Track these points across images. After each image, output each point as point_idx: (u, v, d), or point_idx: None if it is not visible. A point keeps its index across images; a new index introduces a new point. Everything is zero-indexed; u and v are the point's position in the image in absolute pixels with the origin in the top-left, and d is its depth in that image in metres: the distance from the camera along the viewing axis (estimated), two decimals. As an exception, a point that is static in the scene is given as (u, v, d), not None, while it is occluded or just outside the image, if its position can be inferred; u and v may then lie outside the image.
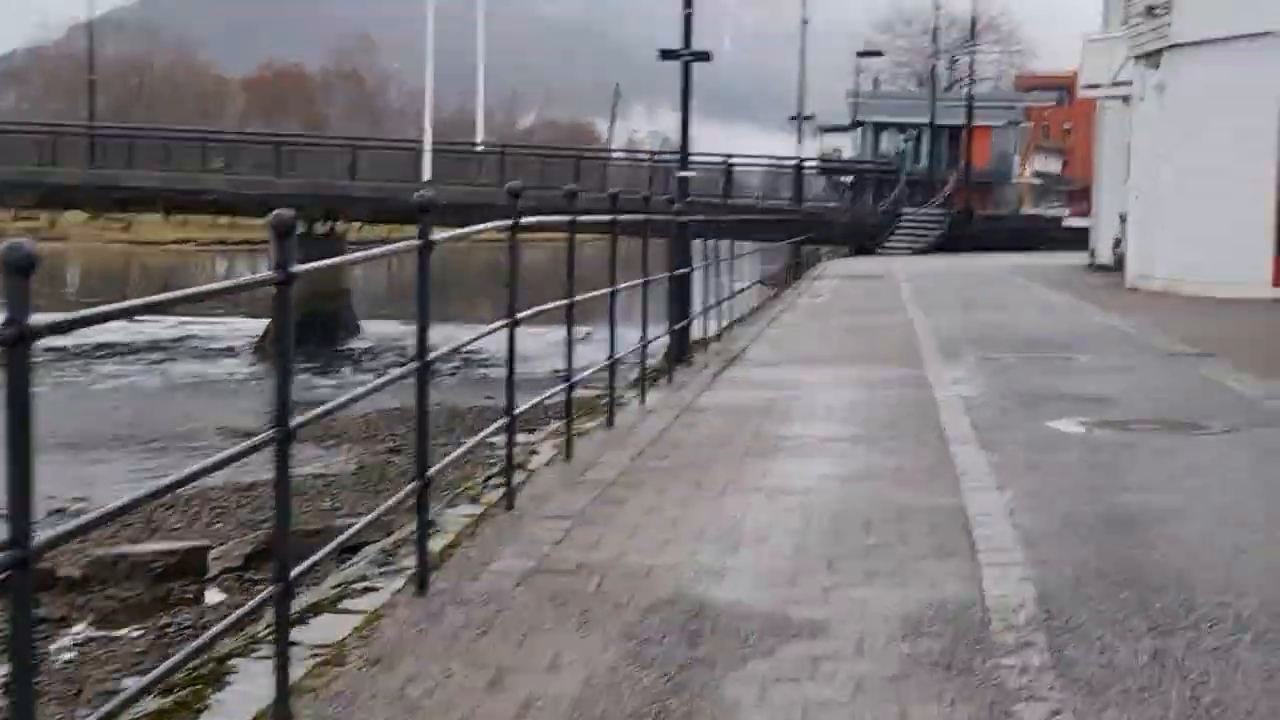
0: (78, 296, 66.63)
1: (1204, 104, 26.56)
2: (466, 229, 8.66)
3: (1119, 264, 33.98)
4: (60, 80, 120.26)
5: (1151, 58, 28.42)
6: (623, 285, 11.89)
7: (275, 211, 5.28)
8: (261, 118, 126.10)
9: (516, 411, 8.50)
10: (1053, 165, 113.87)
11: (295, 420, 5.20)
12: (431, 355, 6.75)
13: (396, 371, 7.32)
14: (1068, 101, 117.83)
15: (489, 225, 8.91)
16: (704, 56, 16.14)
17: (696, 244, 20.46)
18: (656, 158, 64.17)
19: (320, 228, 57.86)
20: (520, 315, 8.57)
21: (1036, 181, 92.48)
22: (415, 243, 6.80)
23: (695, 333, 18.72)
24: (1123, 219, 33.66)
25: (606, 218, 12.04)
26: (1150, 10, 28.03)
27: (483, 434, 8.46)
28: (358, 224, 61.80)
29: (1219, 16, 26.09)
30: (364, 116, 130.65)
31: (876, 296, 27.67)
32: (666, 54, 15.81)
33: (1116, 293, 27.75)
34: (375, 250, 8.05)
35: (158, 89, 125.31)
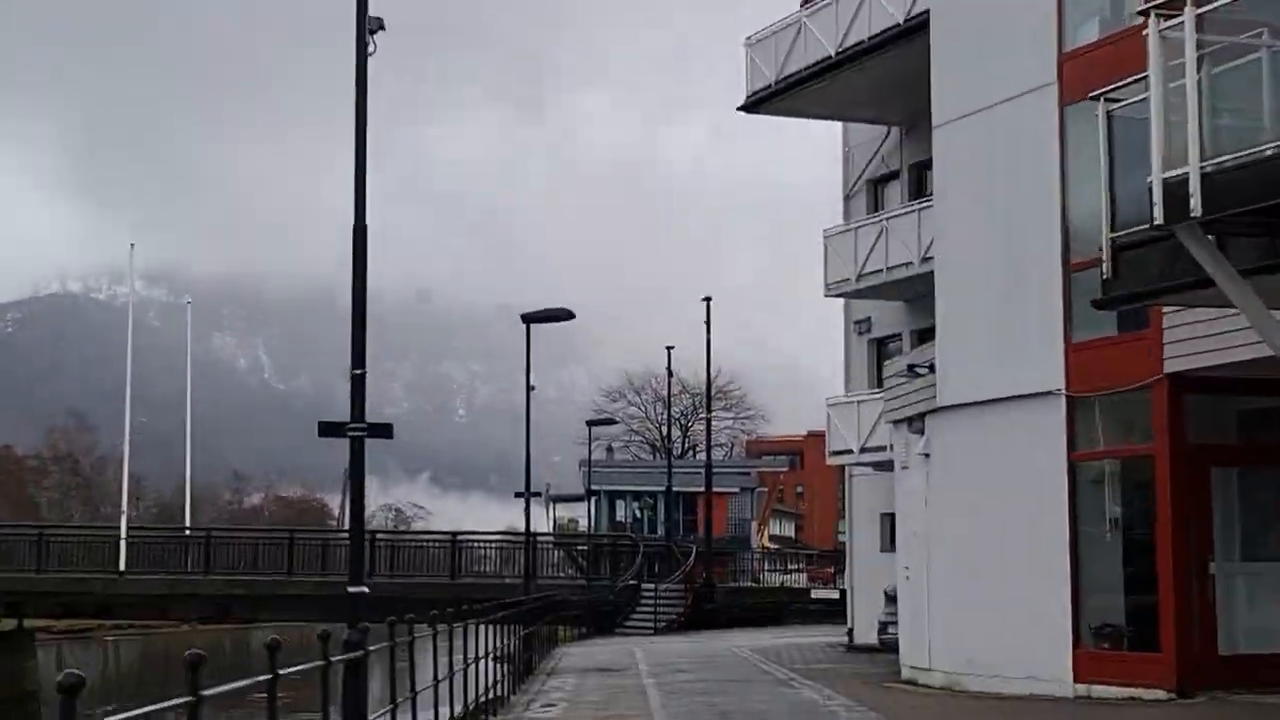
0: None
1: (980, 472, 23.24)
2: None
3: (886, 647, 30.31)
4: None
5: (914, 422, 25.18)
6: None
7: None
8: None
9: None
10: (788, 530, 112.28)
11: None
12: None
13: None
14: (799, 465, 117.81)
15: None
16: (385, 432, 11.97)
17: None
18: (377, 536, 59.43)
19: (6, 625, 51.78)
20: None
21: (774, 547, 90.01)
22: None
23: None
24: (889, 597, 30.07)
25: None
26: (911, 370, 24.89)
27: None
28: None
29: (992, 375, 22.96)
30: (80, 500, 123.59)
31: (619, 703, 23.28)
32: (327, 427, 11.58)
33: (894, 693, 23.76)
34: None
35: None
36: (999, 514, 22.76)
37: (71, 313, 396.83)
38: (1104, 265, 14.85)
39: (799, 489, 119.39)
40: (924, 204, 32.25)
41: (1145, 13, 13.43)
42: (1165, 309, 19.74)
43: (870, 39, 31.80)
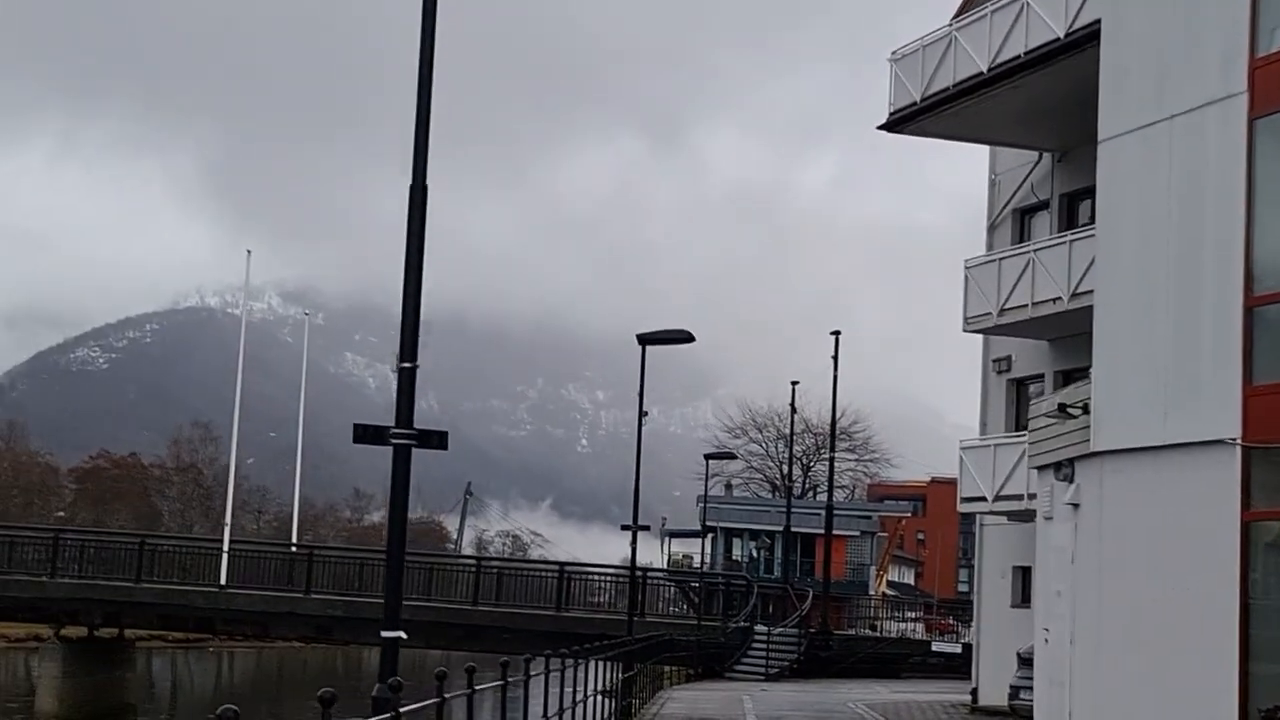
0: None
1: (1139, 527, 20.56)
2: None
3: (1017, 713, 27.68)
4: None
5: (1062, 468, 22.51)
6: None
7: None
8: (91, 509, 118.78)
9: None
10: (906, 577, 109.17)
11: None
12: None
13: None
14: (921, 511, 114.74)
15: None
16: (438, 441, 9.68)
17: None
18: (484, 562, 57.56)
19: (106, 632, 50.49)
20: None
21: (892, 594, 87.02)
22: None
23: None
24: (1023, 660, 27.40)
25: None
26: (1063, 410, 22.21)
27: None
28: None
29: (1156, 420, 20.27)
30: (202, 511, 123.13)
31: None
32: (365, 434, 9.31)
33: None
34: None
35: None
36: (1158, 575, 20.05)
37: (208, 325, 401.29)
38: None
39: (920, 535, 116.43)
40: (1077, 235, 29.61)
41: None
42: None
43: (1026, 54, 29.19)
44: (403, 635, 9.25)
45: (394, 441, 9.09)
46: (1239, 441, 18.93)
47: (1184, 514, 19.69)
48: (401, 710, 8.82)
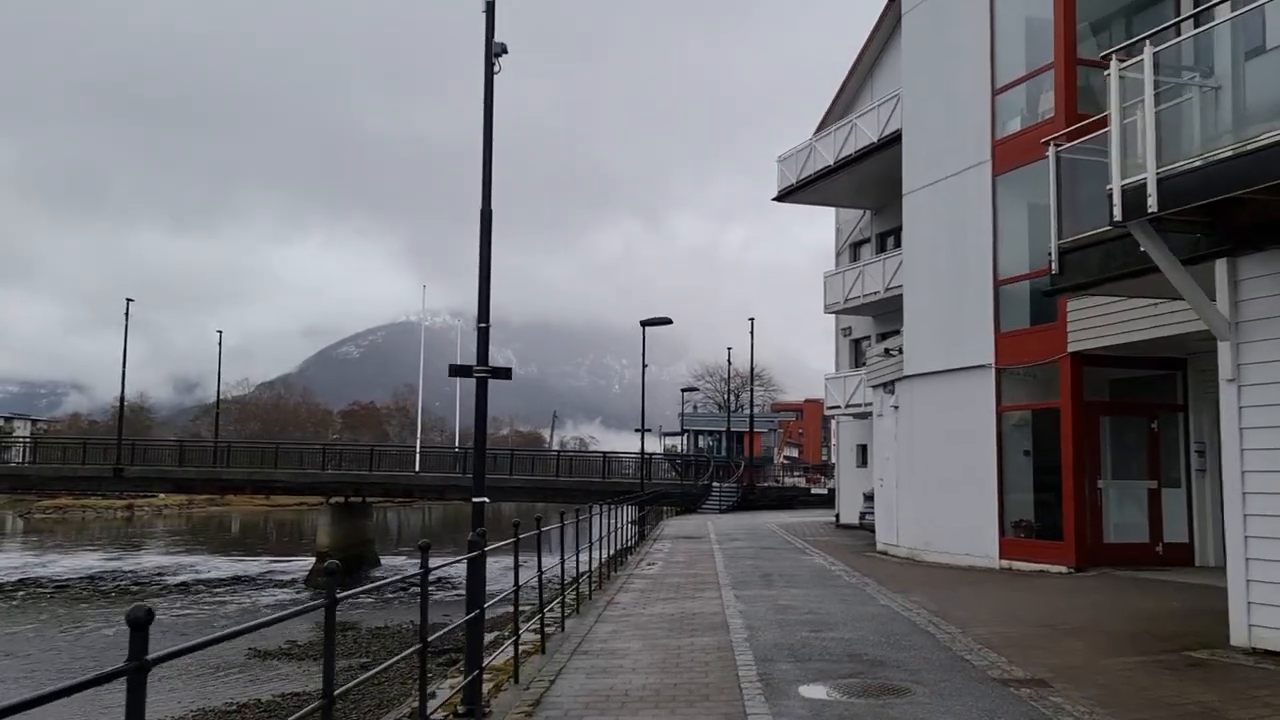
0: (237, 535, 62.05)
1: (936, 418, 18.97)
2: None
3: (864, 527, 26.14)
4: (250, 413, 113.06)
5: (888, 386, 20.92)
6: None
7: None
8: (350, 433, 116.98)
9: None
10: (793, 453, 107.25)
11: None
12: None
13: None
14: (801, 417, 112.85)
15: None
16: (504, 374, 8.00)
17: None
18: (562, 453, 55.87)
19: (354, 499, 48.70)
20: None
21: (787, 462, 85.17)
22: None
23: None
24: (867, 497, 25.82)
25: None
26: (887, 352, 20.62)
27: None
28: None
29: (943, 355, 18.68)
30: (410, 433, 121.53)
31: (697, 564, 19.24)
32: (456, 370, 7.68)
33: (874, 560, 19.47)
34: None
35: (289, 418, 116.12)
36: (949, 445, 18.51)
37: (410, 331, 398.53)
38: (1053, 265, 10.60)
39: (800, 431, 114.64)
40: (887, 256, 27.94)
41: (1108, 56, 9.20)
42: (1070, 307, 15.40)
43: (855, 153, 27.54)
44: (487, 500, 7.60)
45: (476, 375, 7.48)
46: (994, 365, 17.36)
47: (962, 409, 18.13)
48: (485, 549, 7.21)
